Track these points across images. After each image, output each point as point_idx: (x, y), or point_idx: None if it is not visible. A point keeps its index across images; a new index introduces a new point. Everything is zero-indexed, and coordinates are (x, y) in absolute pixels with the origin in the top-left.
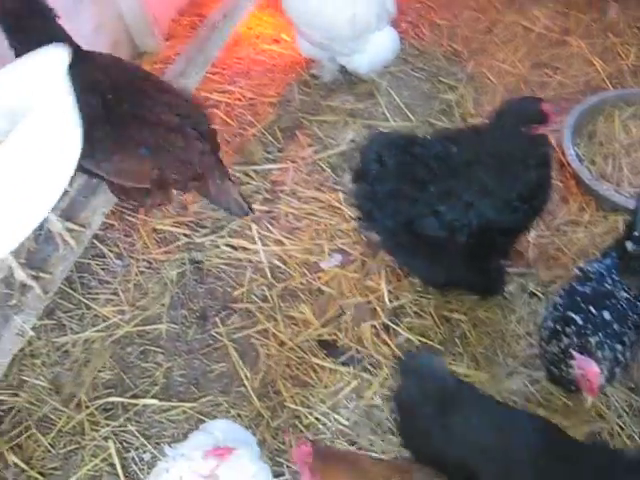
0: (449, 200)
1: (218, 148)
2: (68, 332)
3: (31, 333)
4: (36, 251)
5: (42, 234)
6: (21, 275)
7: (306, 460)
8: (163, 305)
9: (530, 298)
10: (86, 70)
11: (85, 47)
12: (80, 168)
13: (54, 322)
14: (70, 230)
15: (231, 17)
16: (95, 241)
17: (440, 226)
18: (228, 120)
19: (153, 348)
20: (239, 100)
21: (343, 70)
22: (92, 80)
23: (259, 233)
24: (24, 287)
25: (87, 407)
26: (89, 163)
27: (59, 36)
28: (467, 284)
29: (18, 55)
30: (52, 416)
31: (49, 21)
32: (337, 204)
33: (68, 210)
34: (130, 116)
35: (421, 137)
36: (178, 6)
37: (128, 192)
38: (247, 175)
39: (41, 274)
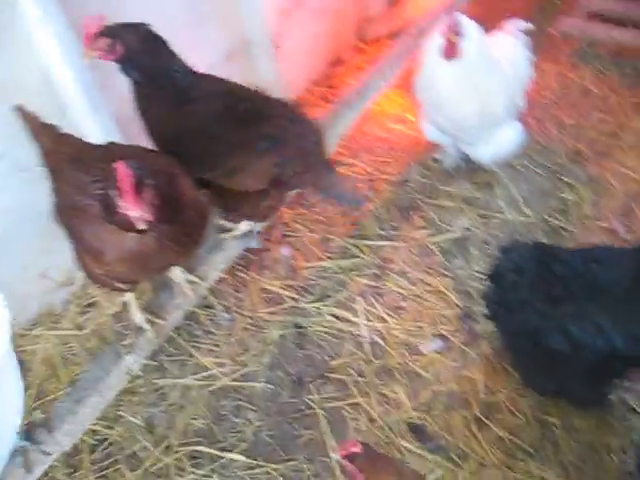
0: (581, 322)
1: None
2: (168, 376)
3: (139, 373)
4: (154, 297)
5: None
6: (139, 318)
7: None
8: (262, 364)
9: (630, 413)
10: (204, 82)
11: None
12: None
13: (156, 364)
14: (190, 282)
15: (364, 96)
16: (207, 292)
17: (566, 343)
18: None
19: (246, 404)
20: (360, 174)
21: (465, 157)
22: (209, 89)
23: (364, 307)
24: (139, 329)
25: (176, 452)
26: (206, 172)
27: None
28: (572, 395)
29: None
30: (141, 454)
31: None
32: (444, 289)
33: (190, 263)
34: (247, 114)
35: (563, 251)
36: (313, 76)
37: (244, 199)
38: (358, 248)
39: (156, 319)
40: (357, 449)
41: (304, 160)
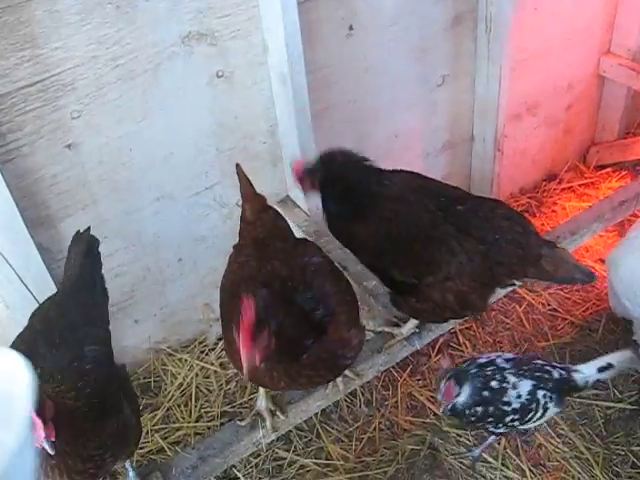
0: None
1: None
2: (291, 450)
3: (264, 450)
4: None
5: None
6: (262, 405)
7: None
8: (385, 474)
9: None
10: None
11: None
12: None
13: (285, 437)
14: (344, 376)
15: (579, 236)
16: None
17: None
18: (523, 320)
19: None
20: (542, 305)
21: None
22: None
23: (505, 450)
24: (258, 414)
25: None
26: (424, 277)
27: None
28: None
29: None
30: None
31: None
32: (593, 462)
33: None
34: (464, 216)
35: None
36: (523, 184)
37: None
38: None
39: (278, 413)
40: None
41: (521, 254)
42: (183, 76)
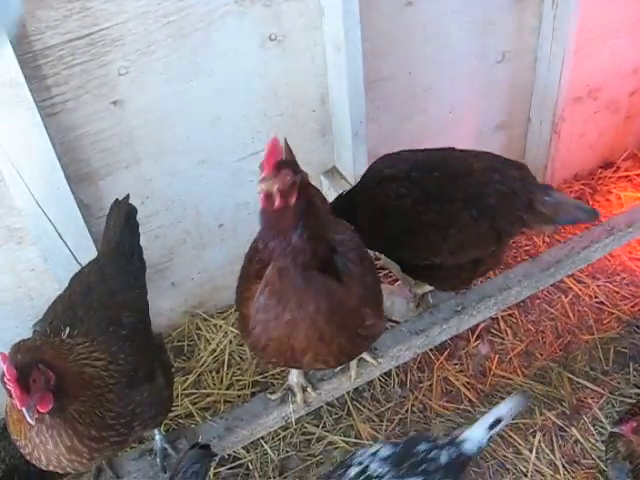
0: None
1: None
2: (320, 425)
3: (293, 425)
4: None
5: None
6: (294, 380)
7: None
8: None
9: None
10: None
11: None
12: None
13: (315, 412)
14: (362, 361)
15: (634, 228)
16: None
17: None
18: (568, 311)
19: None
20: (589, 297)
21: None
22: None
23: (540, 444)
24: (288, 389)
25: None
26: (433, 258)
27: None
28: None
29: None
30: None
31: None
32: None
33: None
34: (442, 185)
35: None
36: (578, 170)
37: (461, 270)
38: (559, 378)
39: (309, 389)
40: None
41: (514, 202)
42: (235, 37)
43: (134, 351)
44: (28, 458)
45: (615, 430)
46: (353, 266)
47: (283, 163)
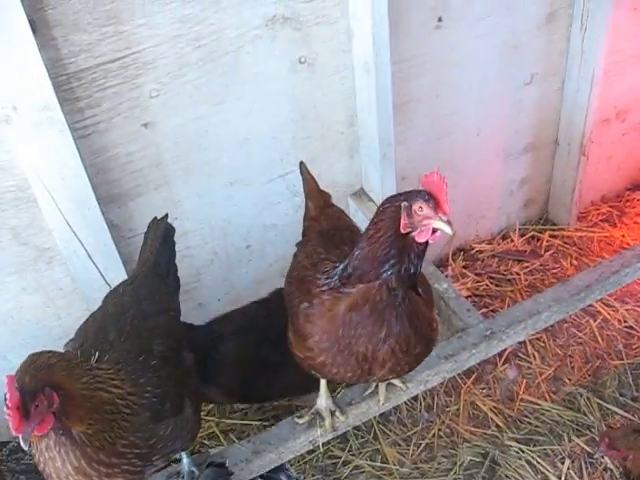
0: None
1: None
2: (347, 449)
3: (320, 449)
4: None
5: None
6: (322, 405)
7: None
8: None
9: None
10: None
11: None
12: None
13: (341, 436)
14: (390, 385)
15: None
16: None
17: None
18: (597, 336)
19: None
20: (617, 322)
21: None
22: None
23: (569, 471)
24: (316, 413)
25: None
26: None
27: None
28: None
29: None
30: None
31: None
32: None
33: None
34: None
35: None
36: (605, 192)
37: None
38: (588, 404)
39: (337, 413)
40: None
41: None
42: (265, 61)
43: (162, 383)
44: (42, 473)
45: (597, 455)
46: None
47: None
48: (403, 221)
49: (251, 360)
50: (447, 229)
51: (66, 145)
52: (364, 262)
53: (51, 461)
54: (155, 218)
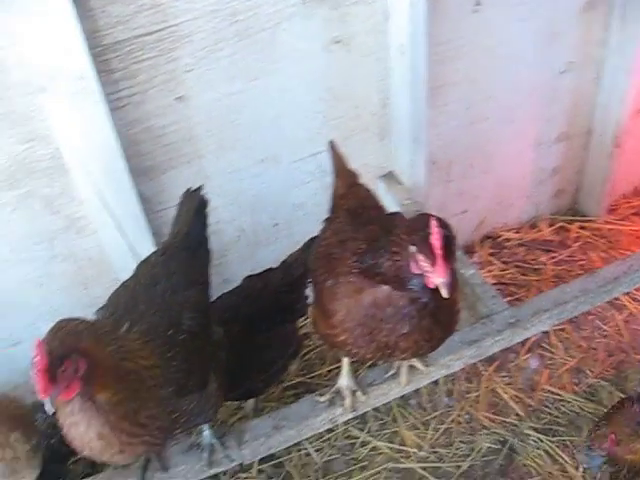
0: None
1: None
2: (365, 430)
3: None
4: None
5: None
6: (344, 384)
7: None
8: (458, 469)
9: None
10: None
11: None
12: None
13: (360, 417)
14: (412, 368)
15: None
16: None
17: None
18: (622, 329)
19: None
20: None
21: None
22: None
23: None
24: (337, 392)
25: None
26: None
27: None
28: None
29: None
30: None
31: None
32: None
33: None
34: None
35: None
36: (635, 185)
37: None
38: (610, 396)
39: (358, 393)
40: None
41: None
42: (300, 38)
43: (189, 359)
44: (66, 438)
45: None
46: None
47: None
48: (409, 263)
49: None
50: (444, 293)
51: (101, 116)
52: (390, 272)
53: (75, 426)
54: (189, 189)
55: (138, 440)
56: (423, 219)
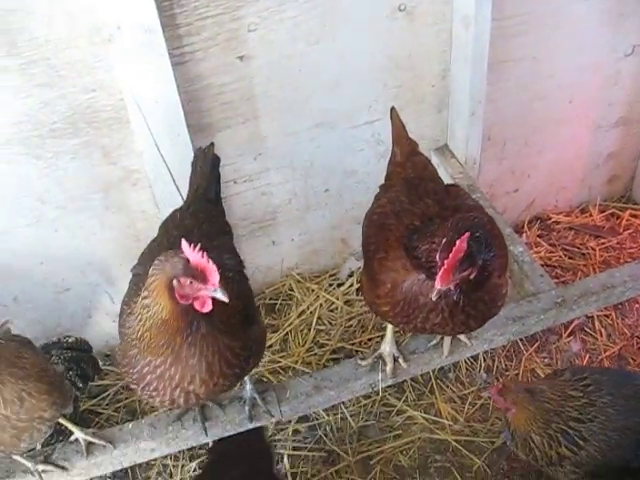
0: None
1: None
2: (402, 399)
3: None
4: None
5: None
6: (386, 350)
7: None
8: (492, 444)
9: None
10: None
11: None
12: None
13: (398, 386)
14: (455, 340)
15: None
16: None
17: None
18: None
19: (455, 473)
20: None
21: None
22: None
23: None
24: (379, 358)
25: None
26: None
27: None
28: None
29: None
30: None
31: None
32: None
33: None
34: None
35: None
36: None
37: None
38: None
39: (400, 360)
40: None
41: None
42: (365, 4)
43: (241, 294)
44: (136, 385)
45: (484, 395)
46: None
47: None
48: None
49: None
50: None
51: (164, 69)
52: (423, 258)
53: (185, 359)
54: (200, 148)
55: (232, 372)
56: (465, 224)
